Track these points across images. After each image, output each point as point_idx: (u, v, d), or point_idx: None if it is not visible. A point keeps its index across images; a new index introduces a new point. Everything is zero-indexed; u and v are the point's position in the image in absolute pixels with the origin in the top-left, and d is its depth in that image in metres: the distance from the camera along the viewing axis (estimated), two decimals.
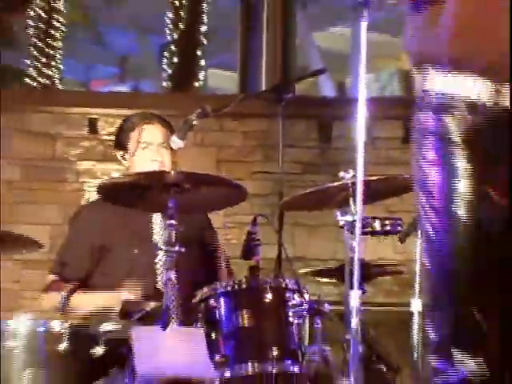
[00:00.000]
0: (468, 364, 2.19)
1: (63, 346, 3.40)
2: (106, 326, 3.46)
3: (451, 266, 2.22)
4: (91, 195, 5.30)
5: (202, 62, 8.95)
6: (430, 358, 2.32)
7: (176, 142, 3.87)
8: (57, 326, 3.47)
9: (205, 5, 9.05)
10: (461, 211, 2.15)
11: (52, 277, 4.11)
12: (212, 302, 3.46)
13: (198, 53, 8.94)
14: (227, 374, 3.30)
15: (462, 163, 2.16)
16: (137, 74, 11.94)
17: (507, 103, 2.11)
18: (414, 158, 2.29)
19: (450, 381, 2.25)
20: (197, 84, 8.70)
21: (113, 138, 4.58)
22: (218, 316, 3.46)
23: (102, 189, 3.83)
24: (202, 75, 8.88)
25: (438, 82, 2.21)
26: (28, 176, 6.07)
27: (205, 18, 9.06)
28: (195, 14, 9.02)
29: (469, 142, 2.15)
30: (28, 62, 9.43)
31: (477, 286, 2.20)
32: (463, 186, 2.15)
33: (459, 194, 2.15)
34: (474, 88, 2.15)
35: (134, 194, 3.68)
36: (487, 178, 2.16)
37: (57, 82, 9.13)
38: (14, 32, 10.07)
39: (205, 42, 9.02)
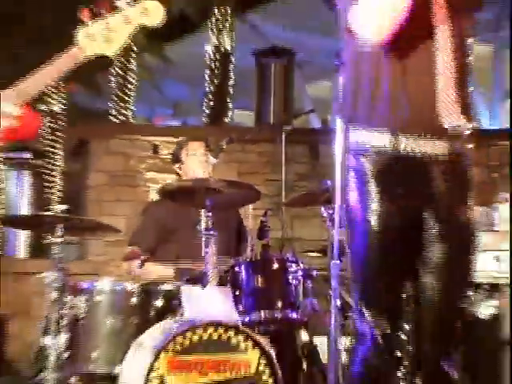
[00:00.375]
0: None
1: (134, 300, 3.41)
2: (164, 286, 3.48)
3: (366, 255, 2.29)
4: (154, 196, 5.30)
5: (230, 105, 8.93)
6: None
7: (211, 160, 3.90)
8: (129, 286, 3.48)
9: (232, 66, 9.04)
10: (371, 220, 2.22)
11: (129, 249, 4.13)
12: (237, 269, 3.50)
13: (228, 99, 8.93)
14: (247, 319, 3.33)
15: (372, 188, 2.23)
16: (185, 113, 11.88)
17: (402, 148, 2.19)
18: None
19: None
20: (226, 120, 8.69)
21: (169, 156, 4.61)
22: (240, 279, 3.49)
23: (162, 191, 3.82)
24: (230, 114, 8.86)
25: (357, 134, 2.27)
26: (111, 182, 6.11)
27: (231, 75, 9.04)
28: (225, 73, 9.02)
29: (376, 174, 2.23)
30: (110, 105, 9.45)
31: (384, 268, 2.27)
32: (373, 202, 2.22)
33: (371, 208, 2.22)
34: (380, 139, 2.21)
35: (184, 194, 3.68)
36: (388, 196, 2.22)
37: (130, 118, 9.18)
38: (100, 84, 10.08)
39: (231, 91, 9.00)
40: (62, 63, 1.68)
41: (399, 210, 2.23)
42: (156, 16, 1.76)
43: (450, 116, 2.21)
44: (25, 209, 9.52)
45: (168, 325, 3.17)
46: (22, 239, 7.67)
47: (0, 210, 10.22)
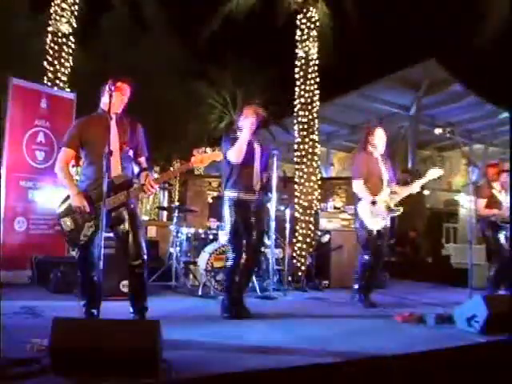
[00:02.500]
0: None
1: (202, 236, 3.24)
2: (212, 231, 3.23)
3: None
4: (209, 199, 5.02)
5: None
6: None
7: None
8: (200, 231, 3.30)
9: None
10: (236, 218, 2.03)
11: (210, 220, 3.51)
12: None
13: None
14: None
15: (233, 210, 2.05)
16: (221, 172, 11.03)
17: (242, 197, 2.08)
18: None
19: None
20: None
21: (215, 186, 4.34)
22: None
23: (212, 197, 3.64)
24: None
25: (231, 192, 2.09)
26: (195, 194, 5.69)
27: None
28: None
29: (235, 206, 2.06)
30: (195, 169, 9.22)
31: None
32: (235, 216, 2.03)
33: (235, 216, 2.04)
34: (235, 194, 2.07)
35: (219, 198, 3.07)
36: (240, 213, 2.03)
37: (202, 173, 8.92)
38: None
39: None
40: (184, 167, 1.84)
41: (244, 216, 2.03)
42: (219, 157, 1.86)
43: (257, 185, 2.07)
44: (165, 203, 9.50)
45: (214, 245, 3.06)
46: (164, 214, 7.64)
47: (156, 205, 10.18)
